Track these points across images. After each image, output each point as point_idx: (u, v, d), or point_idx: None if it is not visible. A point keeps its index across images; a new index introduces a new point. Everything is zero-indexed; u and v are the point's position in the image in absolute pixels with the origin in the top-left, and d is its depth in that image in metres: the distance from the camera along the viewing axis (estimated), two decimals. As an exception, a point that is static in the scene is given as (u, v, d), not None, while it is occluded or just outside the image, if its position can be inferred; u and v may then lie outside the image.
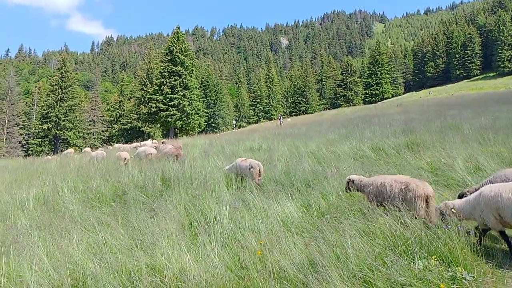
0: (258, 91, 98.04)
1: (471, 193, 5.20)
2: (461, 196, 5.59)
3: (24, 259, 5.07)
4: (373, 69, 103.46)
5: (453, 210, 4.83)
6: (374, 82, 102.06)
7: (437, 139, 11.52)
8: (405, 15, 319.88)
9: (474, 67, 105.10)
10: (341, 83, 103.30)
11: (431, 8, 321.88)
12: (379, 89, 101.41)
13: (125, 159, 14.60)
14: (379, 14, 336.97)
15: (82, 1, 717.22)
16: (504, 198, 4.32)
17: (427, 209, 5.11)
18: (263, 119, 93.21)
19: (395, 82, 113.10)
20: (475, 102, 36.13)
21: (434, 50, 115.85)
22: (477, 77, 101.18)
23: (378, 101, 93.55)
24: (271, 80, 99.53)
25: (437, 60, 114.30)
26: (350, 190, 6.36)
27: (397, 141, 12.14)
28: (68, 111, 58.31)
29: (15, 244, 5.62)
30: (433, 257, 4.01)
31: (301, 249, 4.63)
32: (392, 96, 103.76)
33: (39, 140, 59.05)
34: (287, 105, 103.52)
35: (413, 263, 3.97)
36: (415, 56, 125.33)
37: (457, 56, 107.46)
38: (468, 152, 9.09)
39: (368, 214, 5.23)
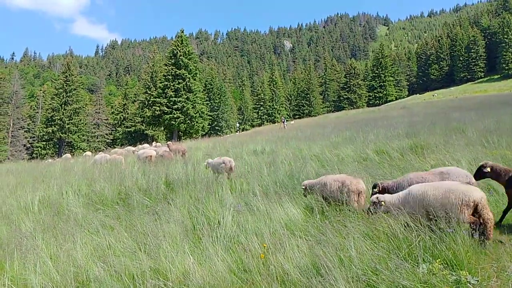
0: (262, 94, 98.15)
1: (384, 187, 6.28)
2: (374, 187, 6.38)
3: (28, 262, 5.08)
4: (377, 71, 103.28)
5: (383, 203, 5.38)
6: (377, 85, 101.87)
7: (441, 142, 11.48)
8: (408, 17, 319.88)
9: (478, 69, 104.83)
10: (345, 86, 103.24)
11: (435, 10, 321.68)
12: (383, 91, 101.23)
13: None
14: (383, 16, 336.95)
15: (86, 5, 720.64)
16: (430, 195, 4.97)
17: (359, 201, 6.12)
18: (267, 122, 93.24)
19: (399, 85, 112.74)
20: (480, 104, 35.96)
21: (438, 53, 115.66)
22: (481, 80, 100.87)
23: (382, 104, 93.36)
24: (274, 83, 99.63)
25: (441, 62, 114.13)
26: (306, 196, 7.13)
27: (401, 144, 12.11)
28: (72, 114, 58.61)
29: (19, 247, 5.63)
30: (437, 260, 3.99)
31: (304, 252, 4.62)
32: (396, 99, 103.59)
33: (44, 143, 59.32)
34: (291, 108, 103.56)
35: (417, 266, 3.95)
36: (419, 58, 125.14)
37: (461, 58, 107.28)
38: (473, 155, 9.05)
39: (371, 217, 5.22)
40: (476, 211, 4.75)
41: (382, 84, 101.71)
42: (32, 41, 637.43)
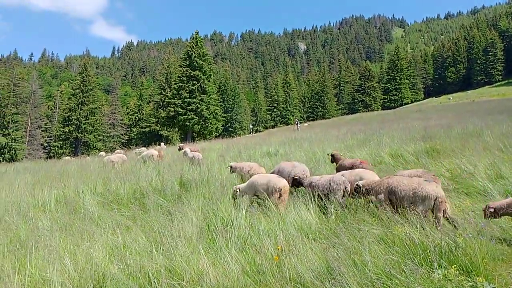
0: (275, 96, 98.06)
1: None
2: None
3: (46, 260, 5.18)
4: (392, 74, 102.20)
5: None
6: (393, 88, 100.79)
7: (457, 146, 11.32)
8: (425, 19, 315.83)
9: (496, 72, 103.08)
10: (359, 88, 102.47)
11: (452, 12, 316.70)
12: (398, 94, 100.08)
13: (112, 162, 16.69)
14: (399, 18, 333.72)
15: (105, 7, 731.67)
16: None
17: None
18: (280, 123, 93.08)
19: (415, 88, 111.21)
20: (497, 108, 35.34)
21: (455, 55, 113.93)
22: (499, 83, 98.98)
23: (397, 107, 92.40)
24: (288, 84, 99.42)
25: (457, 65, 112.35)
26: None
27: (417, 148, 11.99)
28: (88, 115, 59.46)
29: (37, 245, 5.75)
30: (453, 266, 3.95)
31: (318, 255, 4.61)
32: (412, 102, 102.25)
33: (61, 142, 60.28)
34: (304, 110, 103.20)
35: (432, 272, 3.92)
36: (435, 61, 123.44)
37: (478, 61, 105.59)
38: (490, 160, 8.92)
39: (386, 221, 5.19)
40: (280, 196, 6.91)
41: (398, 86, 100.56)
42: (51, 42, 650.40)
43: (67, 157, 33.13)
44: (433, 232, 4.62)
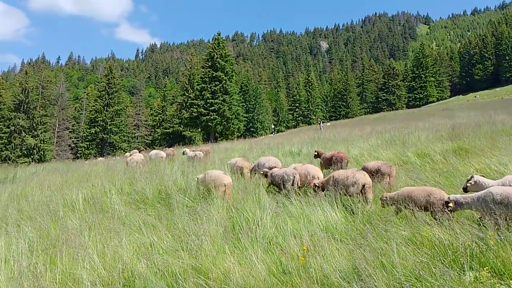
0: (297, 96, 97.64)
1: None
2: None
3: (76, 258, 5.33)
4: (417, 72, 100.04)
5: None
6: (418, 86, 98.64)
7: (486, 145, 11.00)
8: (450, 16, 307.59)
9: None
10: (383, 87, 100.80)
11: (479, 8, 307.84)
12: (423, 92, 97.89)
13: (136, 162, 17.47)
14: (423, 15, 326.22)
15: (130, 11, 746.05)
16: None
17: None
18: (302, 123, 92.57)
19: (441, 86, 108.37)
20: (528, 106, 34.14)
21: (482, 52, 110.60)
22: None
23: (422, 105, 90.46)
24: (310, 84, 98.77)
25: (485, 62, 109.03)
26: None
27: (444, 147, 11.71)
28: (114, 116, 60.61)
29: (67, 243, 5.91)
30: (485, 268, 3.84)
31: (344, 256, 4.57)
32: (437, 100, 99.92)
33: (87, 143, 61.62)
34: (327, 109, 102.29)
35: (463, 274, 3.83)
36: (461, 58, 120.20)
37: (507, 58, 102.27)
38: (521, 159, 8.62)
39: (414, 222, 5.09)
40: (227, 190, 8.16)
41: (423, 84, 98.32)
42: (77, 45, 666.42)
43: (100, 158, 33.93)
44: (463, 234, 4.52)
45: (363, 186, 7.07)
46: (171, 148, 25.20)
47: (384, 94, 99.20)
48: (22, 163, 44.44)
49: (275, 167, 9.97)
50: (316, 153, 12.47)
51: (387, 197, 6.33)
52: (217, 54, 52.36)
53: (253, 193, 7.99)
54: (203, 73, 53.27)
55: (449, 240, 4.38)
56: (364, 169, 8.68)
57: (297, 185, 8.44)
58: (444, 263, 3.99)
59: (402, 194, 6.06)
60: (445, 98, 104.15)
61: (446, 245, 4.30)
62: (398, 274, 3.89)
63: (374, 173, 8.33)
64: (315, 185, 7.92)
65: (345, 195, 7.16)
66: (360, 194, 7.11)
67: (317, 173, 8.81)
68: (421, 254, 4.22)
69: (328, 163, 10.98)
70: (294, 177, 8.44)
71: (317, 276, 4.15)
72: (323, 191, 7.66)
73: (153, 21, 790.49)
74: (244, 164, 11.34)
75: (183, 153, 18.82)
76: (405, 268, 3.98)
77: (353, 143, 16.63)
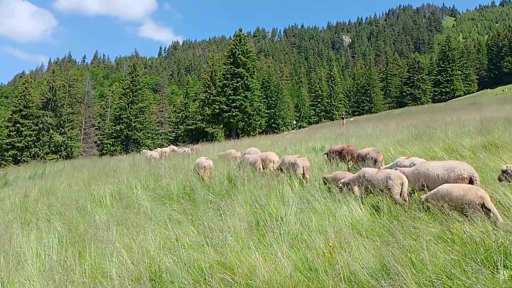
0: (319, 91, 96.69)
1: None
2: None
3: (104, 252, 5.44)
4: (443, 65, 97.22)
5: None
6: (444, 79, 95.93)
7: (518, 140, 10.60)
8: (478, 7, 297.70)
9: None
10: (408, 81, 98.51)
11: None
12: (450, 86, 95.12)
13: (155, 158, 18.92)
14: (449, 7, 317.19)
15: (155, 10, 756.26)
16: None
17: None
18: (324, 119, 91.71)
19: (468, 79, 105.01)
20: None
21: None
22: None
23: (449, 99, 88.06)
24: (332, 79, 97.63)
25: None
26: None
27: (473, 142, 11.35)
28: (138, 113, 61.62)
29: (95, 237, 6.04)
30: (520, 267, 3.71)
31: (372, 253, 4.49)
32: (464, 94, 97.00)
33: (113, 140, 62.91)
34: (350, 104, 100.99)
35: (497, 272, 3.69)
36: (489, 51, 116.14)
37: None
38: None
39: (444, 218, 4.95)
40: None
41: (449, 78, 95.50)
42: (102, 44, 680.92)
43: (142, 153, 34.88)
44: (495, 231, 4.37)
45: (303, 168, 9.13)
46: (196, 146, 25.52)
47: (409, 88, 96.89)
48: (50, 159, 45.83)
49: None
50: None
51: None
52: (238, 51, 52.45)
53: (276, 189, 7.96)
54: (224, 70, 53.50)
55: (481, 238, 4.24)
56: (359, 155, 10.27)
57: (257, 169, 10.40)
58: (476, 261, 3.86)
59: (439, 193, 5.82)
60: (472, 92, 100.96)
61: (478, 243, 4.16)
62: (428, 272, 3.78)
63: (365, 158, 9.83)
64: (342, 183, 7.63)
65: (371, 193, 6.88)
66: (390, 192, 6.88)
67: (274, 158, 11.10)
68: (452, 252, 4.10)
69: (337, 155, 11.33)
70: (255, 161, 10.66)
71: (344, 273, 4.09)
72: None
73: (176, 19, 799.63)
74: (237, 154, 14.69)
75: (173, 150, 21.20)
76: (435, 266, 3.87)
77: (378, 138, 16.34)
